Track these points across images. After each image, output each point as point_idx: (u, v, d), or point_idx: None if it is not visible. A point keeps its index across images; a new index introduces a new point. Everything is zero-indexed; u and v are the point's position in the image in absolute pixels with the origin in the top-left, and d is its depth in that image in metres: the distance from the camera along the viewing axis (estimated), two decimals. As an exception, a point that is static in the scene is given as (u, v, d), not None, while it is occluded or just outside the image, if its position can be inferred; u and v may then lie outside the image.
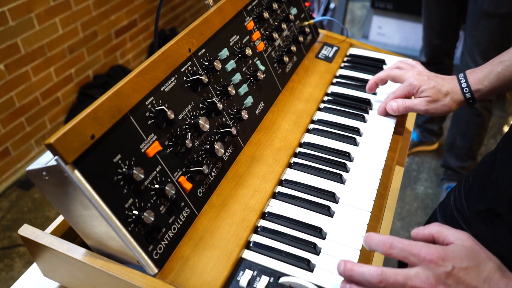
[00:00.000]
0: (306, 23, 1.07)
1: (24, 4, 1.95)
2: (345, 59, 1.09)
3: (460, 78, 0.84)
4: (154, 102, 0.62)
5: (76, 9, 2.24)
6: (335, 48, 1.09)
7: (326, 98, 0.95)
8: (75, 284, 0.67)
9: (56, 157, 0.49)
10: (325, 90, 0.97)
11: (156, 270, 0.58)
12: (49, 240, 0.62)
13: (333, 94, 0.97)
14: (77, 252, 0.61)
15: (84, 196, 0.52)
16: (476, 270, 0.48)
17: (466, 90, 0.82)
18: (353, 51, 1.12)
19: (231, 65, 0.78)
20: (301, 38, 1.01)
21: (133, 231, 0.56)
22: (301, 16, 1.06)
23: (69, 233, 0.69)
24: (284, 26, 0.95)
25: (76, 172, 0.50)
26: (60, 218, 0.69)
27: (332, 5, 3.10)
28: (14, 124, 2.08)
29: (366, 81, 1.00)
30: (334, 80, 1.01)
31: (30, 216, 1.99)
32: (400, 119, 0.92)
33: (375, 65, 1.06)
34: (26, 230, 0.64)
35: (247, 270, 0.61)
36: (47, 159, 0.53)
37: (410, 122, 1.03)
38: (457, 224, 0.88)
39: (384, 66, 1.06)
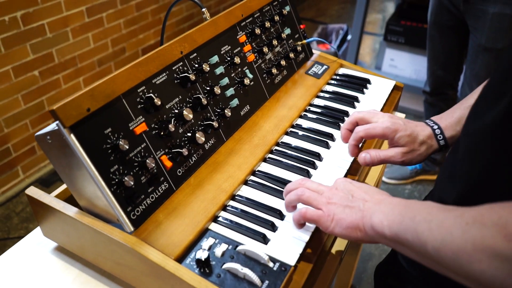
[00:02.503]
0: (299, 42, 1.19)
1: (62, 18, 2.17)
2: (333, 77, 1.20)
3: (431, 125, 0.81)
4: (145, 90, 0.74)
5: (108, 26, 2.45)
6: (325, 67, 1.21)
7: (308, 108, 1.06)
8: (68, 242, 0.79)
9: (57, 121, 0.62)
10: (309, 101, 1.07)
11: (132, 229, 0.69)
12: (49, 199, 0.74)
13: (315, 105, 1.07)
14: (70, 210, 0.72)
15: (77, 157, 0.64)
16: (372, 189, 0.66)
17: (440, 137, 0.80)
18: (342, 70, 1.23)
19: (219, 69, 0.90)
20: (292, 55, 1.13)
21: (115, 192, 0.67)
22: (295, 36, 1.19)
23: (70, 201, 0.81)
24: (275, 42, 1.08)
25: (72, 136, 0.63)
26: (63, 186, 0.81)
27: (349, 37, 3.24)
28: (42, 125, 2.26)
29: (349, 96, 1.11)
30: (320, 94, 1.12)
31: (47, 211, 2.14)
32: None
33: (360, 84, 1.16)
34: (32, 191, 0.76)
35: (210, 238, 0.71)
36: (51, 128, 0.66)
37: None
38: None
39: (368, 85, 1.17)
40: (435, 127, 0.81)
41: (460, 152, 0.62)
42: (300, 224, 0.72)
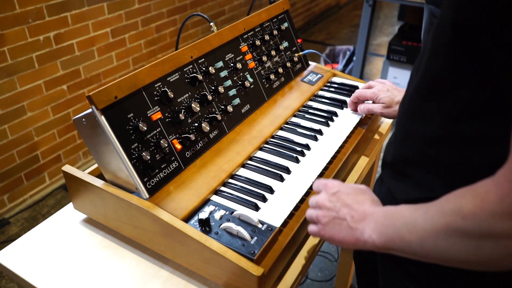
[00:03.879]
0: (296, 54, 1.36)
1: (89, 39, 2.40)
2: (326, 84, 1.36)
3: None
4: (161, 85, 0.91)
5: (129, 46, 2.68)
6: (319, 75, 1.37)
7: (302, 109, 1.22)
8: (94, 212, 0.95)
9: (92, 106, 0.79)
10: (303, 103, 1.23)
11: (147, 195, 0.85)
12: (81, 174, 0.91)
13: (308, 106, 1.23)
14: (98, 182, 0.89)
15: (106, 135, 0.81)
16: (354, 195, 0.71)
17: None
18: (334, 79, 1.39)
19: (223, 73, 1.07)
20: (289, 64, 1.29)
21: (135, 165, 0.83)
22: (292, 48, 1.36)
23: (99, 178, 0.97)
24: (273, 53, 1.24)
25: (103, 117, 0.80)
26: (91, 168, 0.97)
27: (355, 57, 3.41)
28: (67, 135, 2.47)
29: (338, 100, 1.26)
30: (313, 98, 1.28)
31: (70, 213, 2.31)
32: (356, 129, 1.16)
33: (349, 90, 1.31)
34: (67, 168, 0.93)
35: (211, 206, 0.87)
36: (87, 112, 0.83)
37: (384, 127, 1.27)
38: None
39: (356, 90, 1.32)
40: None
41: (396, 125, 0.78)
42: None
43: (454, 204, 0.54)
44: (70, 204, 1.02)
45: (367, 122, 1.20)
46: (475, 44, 0.57)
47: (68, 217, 1.00)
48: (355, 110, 1.20)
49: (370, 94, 1.13)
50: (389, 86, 1.13)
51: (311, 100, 1.27)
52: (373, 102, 1.13)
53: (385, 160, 0.79)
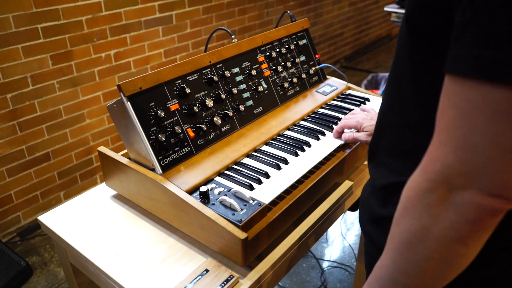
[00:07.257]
0: (313, 68, 1.50)
1: (144, 57, 2.70)
2: (340, 95, 1.48)
3: None
4: (180, 82, 1.09)
5: (180, 66, 2.95)
6: (334, 87, 1.49)
7: (311, 114, 1.34)
8: (120, 186, 1.13)
9: (121, 93, 0.98)
10: (313, 110, 1.36)
11: (161, 171, 1.01)
12: (112, 153, 1.10)
13: (317, 112, 1.36)
14: (124, 160, 1.07)
15: (130, 118, 0.99)
16: None
17: None
18: (348, 91, 1.51)
19: (239, 77, 1.24)
20: (304, 76, 1.43)
21: (152, 144, 1.00)
22: (310, 62, 1.50)
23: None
24: (289, 65, 1.39)
25: (128, 103, 0.98)
26: (122, 152, 1.16)
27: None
28: (119, 143, 2.74)
29: (346, 108, 1.38)
30: (323, 106, 1.40)
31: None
32: (360, 131, 1.26)
33: (359, 100, 1.42)
34: (102, 148, 1.13)
35: (213, 183, 1.01)
36: (116, 100, 1.02)
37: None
38: None
39: (367, 102, 1.42)
40: None
41: None
42: None
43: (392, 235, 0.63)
44: (104, 183, 1.21)
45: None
46: (420, 38, 0.67)
47: (101, 193, 1.20)
48: (338, 138, 1.21)
49: (355, 123, 1.16)
50: (372, 114, 1.17)
51: (322, 107, 1.40)
52: (357, 131, 1.17)
53: (368, 151, 0.90)
